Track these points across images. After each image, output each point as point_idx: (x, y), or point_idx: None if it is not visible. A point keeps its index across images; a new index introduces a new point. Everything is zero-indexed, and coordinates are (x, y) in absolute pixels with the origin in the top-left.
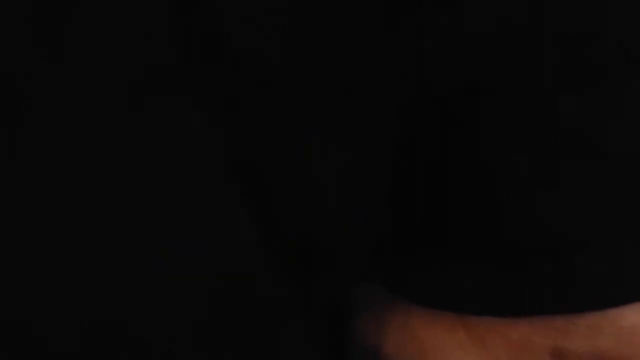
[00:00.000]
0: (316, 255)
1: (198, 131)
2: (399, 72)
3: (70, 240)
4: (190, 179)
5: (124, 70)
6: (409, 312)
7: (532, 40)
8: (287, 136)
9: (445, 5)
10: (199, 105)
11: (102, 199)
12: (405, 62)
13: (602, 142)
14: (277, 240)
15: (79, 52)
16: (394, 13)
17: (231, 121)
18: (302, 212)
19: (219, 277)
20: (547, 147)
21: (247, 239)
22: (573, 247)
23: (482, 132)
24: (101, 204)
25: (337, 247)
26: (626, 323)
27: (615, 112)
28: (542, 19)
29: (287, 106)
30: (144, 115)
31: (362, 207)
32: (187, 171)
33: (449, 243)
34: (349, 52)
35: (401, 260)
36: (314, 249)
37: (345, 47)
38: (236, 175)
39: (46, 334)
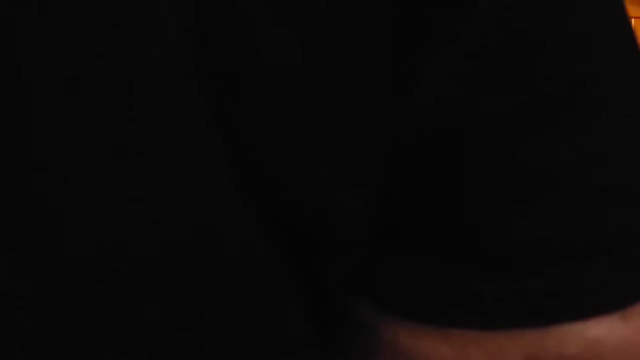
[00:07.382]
0: (310, 232)
1: (198, 129)
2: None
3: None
4: (187, 160)
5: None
6: (397, 326)
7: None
8: (284, 130)
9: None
10: (200, 94)
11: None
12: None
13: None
14: (272, 213)
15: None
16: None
17: (229, 111)
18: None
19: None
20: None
21: (240, 212)
22: (542, 266)
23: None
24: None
25: (334, 227)
26: (589, 334)
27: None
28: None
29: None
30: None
31: (357, 192)
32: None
33: (432, 258)
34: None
35: (387, 274)
36: (309, 227)
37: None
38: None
39: None
